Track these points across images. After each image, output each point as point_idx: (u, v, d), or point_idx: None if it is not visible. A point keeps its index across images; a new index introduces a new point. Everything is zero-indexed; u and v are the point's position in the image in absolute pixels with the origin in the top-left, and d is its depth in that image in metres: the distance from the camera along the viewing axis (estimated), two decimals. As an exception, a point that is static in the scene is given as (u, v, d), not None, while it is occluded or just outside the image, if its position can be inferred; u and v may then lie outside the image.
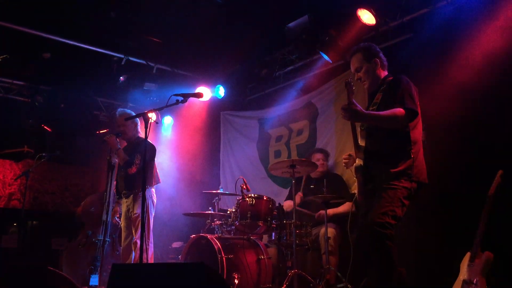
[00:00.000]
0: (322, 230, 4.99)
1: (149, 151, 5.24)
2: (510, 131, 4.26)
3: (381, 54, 3.67)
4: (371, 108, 3.44)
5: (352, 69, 3.70)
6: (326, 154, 5.77)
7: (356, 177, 3.51)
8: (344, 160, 3.69)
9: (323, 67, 6.27)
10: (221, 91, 7.11)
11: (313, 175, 5.64)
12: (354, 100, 3.25)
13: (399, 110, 3.23)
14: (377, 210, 3.17)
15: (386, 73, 3.64)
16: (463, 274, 3.69)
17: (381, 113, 3.26)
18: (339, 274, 4.82)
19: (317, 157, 5.64)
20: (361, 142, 3.50)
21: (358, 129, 3.56)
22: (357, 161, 3.49)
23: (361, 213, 3.51)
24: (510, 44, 4.32)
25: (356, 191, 3.59)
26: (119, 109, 5.53)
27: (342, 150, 5.97)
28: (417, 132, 3.40)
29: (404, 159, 3.29)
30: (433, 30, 4.86)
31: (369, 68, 3.59)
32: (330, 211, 5.07)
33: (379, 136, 3.40)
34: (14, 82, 7.18)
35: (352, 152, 3.66)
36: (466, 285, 3.67)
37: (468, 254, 3.86)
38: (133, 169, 5.05)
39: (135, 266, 3.75)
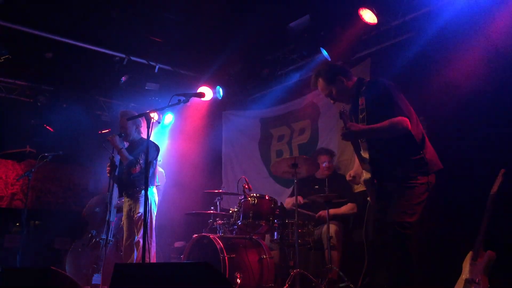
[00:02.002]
0: (324, 227, 4.99)
1: (152, 151, 5.25)
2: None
3: (339, 67, 3.71)
4: (360, 117, 3.42)
5: (324, 95, 3.71)
6: (331, 155, 5.73)
7: (368, 192, 3.51)
8: (348, 179, 3.72)
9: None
10: (220, 92, 7.11)
11: (318, 175, 5.63)
12: (349, 123, 3.29)
13: (397, 120, 3.25)
14: (396, 209, 3.18)
15: (355, 79, 3.64)
16: (466, 273, 3.69)
17: (380, 125, 3.27)
18: (341, 273, 4.82)
19: (322, 160, 5.59)
20: (364, 154, 3.49)
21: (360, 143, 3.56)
22: (364, 174, 3.48)
23: (376, 218, 3.51)
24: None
25: (361, 190, 3.59)
26: (121, 110, 5.54)
27: (344, 150, 5.97)
28: (415, 125, 3.40)
29: (414, 156, 3.30)
30: (435, 29, 4.85)
31: (338, 88, 3.58)
32: (332, 211, 5.07)
33: (382, 143, 3.40)
34: (17, 82, 7.19)
35: (352, 171, 3.69)
36: (468, 284, 3.67)
37: (470, 253, 3.86)
38: (137, 169, 5.06)
39: (137, 265, 3.76)
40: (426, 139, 3.43)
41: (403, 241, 3.12)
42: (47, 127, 7.54)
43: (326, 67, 3.70)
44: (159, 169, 6.14)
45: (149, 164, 5.22)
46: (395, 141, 3.33)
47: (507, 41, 4.33)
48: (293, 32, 5.74)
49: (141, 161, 5.05)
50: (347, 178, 3.79)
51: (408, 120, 3.26)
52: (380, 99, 3.35)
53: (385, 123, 3.25)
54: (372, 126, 3.31)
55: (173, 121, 7.75)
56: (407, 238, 3.12)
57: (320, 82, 3.64)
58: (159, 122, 7.44)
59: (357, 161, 3.70)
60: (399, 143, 3.33)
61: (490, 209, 3.87)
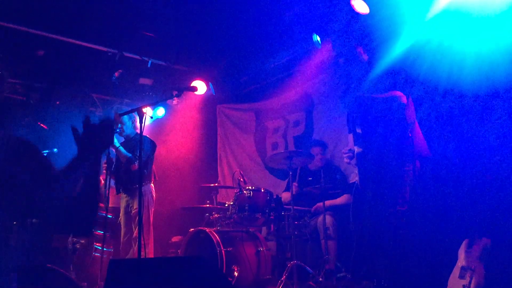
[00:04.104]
0: (320, 218, 5.01)
1: (149, 147, 5.24)
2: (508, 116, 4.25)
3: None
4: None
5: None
6: (323, 147, 5.76)
7: (356, 164, 3.51)
8: (345, 155, 3.70)
9: (318, 58, 6.24)
10: (212, 89, 7.10)
11: (311, 167, 5.65)
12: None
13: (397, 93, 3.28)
14: (388, 200, 3.20)
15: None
16: (461, 260, 3.72)
17: (385, 95, 3.30)
18: (338, 264, 4.84)
19: (315, 152, 5.63)
20: (358, 129, 3.50)
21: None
22: (356, 149, 3.48)
23: (366, 200, 3.52)
24: None
25: (355, 180, 3.59)
26: (115, 106, 5.53)
27: (339, 141, 5.97)
28: (410, 111, 3.42)
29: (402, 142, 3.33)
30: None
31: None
32: (327, 202, 5.08)
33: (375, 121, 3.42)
34: (9, 80, 7.13)
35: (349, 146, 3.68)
36: (464, 271, 3.69)
37: (466, 241, 3.87)
38: (136, 165, 5.05)
39: (132, 261, 3.76)
40: (417, 125, 3.46)
41: (396, 229, 3.13)
42: (41, 124, 7.50)
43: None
44: None
45: (148, 160, 5.21)
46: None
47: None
48: (285, 24, 5.71)
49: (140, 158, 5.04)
50: (344, 151, 3.74)
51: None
52: None
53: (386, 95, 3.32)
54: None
55: (164, 114, 7.72)
56: (400, 226, 3.14)
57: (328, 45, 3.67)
58: (152, 117, 7.42)
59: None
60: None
61: (483, 196, 3.90)
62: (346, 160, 3.72)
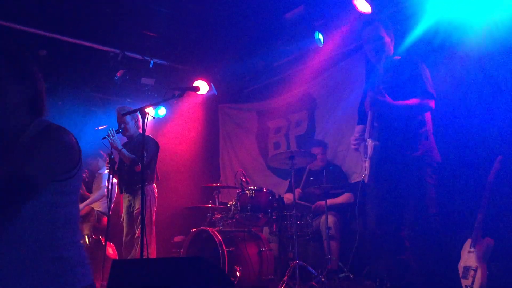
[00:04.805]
0: (322, 218, 5.00)
1: (152, 148, 5.24)
2: (509, 116, 4.24)
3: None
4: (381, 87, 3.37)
5: (368, 35, 3.60)
6: (324, 147, 5.76)
7: (369, 157, 3.41)
8: (353, 142, 3.63)
9: (320, 58, 6.24)
10: (214, 89, 7.10)
11: (312, 167, 5.64)
12: (382, 89, 3.25)
13: (425, 102, 3.28)
14: (404, 198, 3.20)
15: (392, 50, 3.62)
16: (464, 260, 3.70)
17: (407, 102, 3.27)
18: (340, 264, 4.83)
19: (315, 152, 5.62)
20: (375, 123, 3.44)
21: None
22: (370, 141, 3.40)
23: (373, 196, 3.48)
24: None
25: (359, 180, 3.53)
26: (118, 106, 5.53)
27: (341, 140, 5.97)
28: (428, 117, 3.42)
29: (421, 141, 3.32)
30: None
31: (388, 42, 3.53)
32: (329, 201, 5.07)
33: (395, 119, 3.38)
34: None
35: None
36: (466, 271, 3.68)
37: (468, 241, 3.86)
38: (140, 167, 5.05)
39: (134, 261, 3.76)
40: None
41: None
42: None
43: (385, 22, 3.64)
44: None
45: (151, 161, 5.22)
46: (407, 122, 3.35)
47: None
48: (288, 24, 5.71)
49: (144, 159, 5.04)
50: (352, 138, 3.67)
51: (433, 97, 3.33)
52: (415, 78, 3.37)
53: (413, 102, 3.29)
54: (399, 102, 3.30)
55: (165, 113, 7.73)
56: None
57: (381, 27, 3.58)
58: (154, 117, 7.42)
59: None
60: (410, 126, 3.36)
61: (487, 196, 3.88)
62: (353, 147, 3.64)
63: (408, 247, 3.32)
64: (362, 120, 3.69)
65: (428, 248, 3.25)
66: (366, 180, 3.45)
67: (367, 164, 3.43)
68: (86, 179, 6.73)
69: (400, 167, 3.32)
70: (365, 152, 3.44)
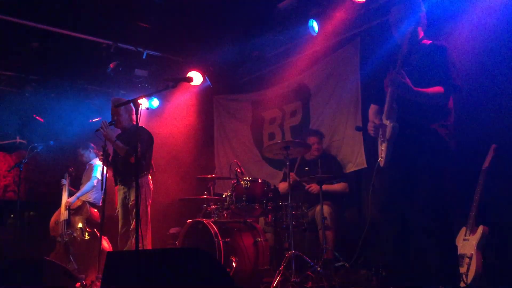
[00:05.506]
0: (318, 208, 5.01)
1: (146, 139, 5.22)
2: (503, 104, 4.25)
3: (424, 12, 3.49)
4: (405, 69, 3.23)
5: (394, 18, 3.48)
6: (320, 137, 5.76)
7: (386, 139, 3.25)
8: (371, 128, 3.49)
9: (314, 47, 6.21)
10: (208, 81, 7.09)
11: (307, 157, 5.65)
12: (402, 70, 3.15)
13: (445, 90, 3.18)
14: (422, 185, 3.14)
15: (422, 34, 3.48)
16: (459, 248, 3.72)
17: (427, 91, 3.17)
18: (336, 253, 4.85)
19: (311, 141, 5.63)
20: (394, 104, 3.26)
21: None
22: (388, 122, 3.22)
23: (384, 182, 3.40)
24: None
25: (378, 162, 3.38)
26: (112, 98, 5.50)
27: (336, 131, 5.97)
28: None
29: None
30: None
31: (414, 23, 3.37)
32: (324, 187, 5.07)
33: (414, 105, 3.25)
34: (3, 73, 7.08)
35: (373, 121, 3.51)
36: (462, 259, 3.70)
37: (463, 229, 3.89)
38: (134, 158, 5.03)
39: (129, 253, 3.75)
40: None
41: None
42: (37, 117, 7.47)
43: None
44: (98, 176, 6.34)
45: (146, 152, 5.20)
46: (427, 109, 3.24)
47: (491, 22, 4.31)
48: (282, 13, 5.67)
49: (139, 151, 5.01)
50: (370, 125, 3.49)
51: (457, 87, 3.24)
52: (440, 64, 3.25)
53: (434, 90, 3.18)
54: (420, 89, 3.18)
55: (159, 105, 7.70)
56: None
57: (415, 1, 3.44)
58: (147, 109, 7.39)
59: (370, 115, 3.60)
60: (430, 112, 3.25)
61: (482, 184, 3.90)
62: (371, 133, 3.50)
63: (413, 231, 3.24)
64: (376, 100, 3.53)
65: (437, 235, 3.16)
66: (382, 164, 3.32)
67: (383, 147, 3.28)
68: (73, 174, 6.71)
69: (416, 153, 3.20)
70: (383, 135, 3.29)
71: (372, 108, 3.61)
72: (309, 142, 5.55)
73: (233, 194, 4.95)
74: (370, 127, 3.45)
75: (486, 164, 3.95)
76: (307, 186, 5.36)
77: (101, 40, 6.42)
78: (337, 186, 5.42)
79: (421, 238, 3.17)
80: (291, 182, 4.80)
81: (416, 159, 3.20)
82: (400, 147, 3.23)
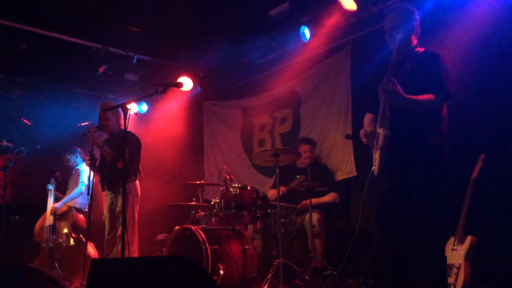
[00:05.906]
0: (307, 216, 4.98)
1: (134, 144, 5.17)
2: (492, 114, 4.26)
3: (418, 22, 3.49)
4: (397, 77, 3.22)
5: (387, 26, 3.45)
6: (313, 145, 5.72)
7: (379, 148, 3.22)
8: (362, 135, 3.48)
9: (306, 54, 6.22)
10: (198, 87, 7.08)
11: (299, 165, 5.62)
12: (394, 79, 3.13)
13: (437, 96, 3.17)
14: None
15: (416, 42, 3.47)
16: (447, 258, 3.71)
17: (419, 98, 3.15)
18: (324, 262, 4.82)
19: (304, 149, 5.58)
20: (387, 112, 3.25)
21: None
22: (381, 130, 3.20)
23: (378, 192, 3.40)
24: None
25: (372, 170, 3.35)
26: (100, 102, 5.46)
27: (326, 138, 5.96)
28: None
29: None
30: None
31: (407, 31, 3.37)
32: (314, 201, 5.05)
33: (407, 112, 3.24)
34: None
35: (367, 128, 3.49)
36: (450, 269, 3.69)
37: (452, 239, 3.88)
38: (121, 163, 4.98)
39: (115, 260, 3.70)
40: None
41: None
42: (24, 120, 7.39)
43: (411, 8, 3.48)
44: (86, 181, 6.27)
45: (133, 157, 5.15)
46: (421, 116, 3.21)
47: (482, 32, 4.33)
48: (273, 20, 5.67)
49: (126, 155, 4.96)
50: (362, 132, 3.47)
51: (450, 94, 3.23)
52: (433, 71, 3.23)
53: (425, 97, 3.15)
54: (412, 96, 3.15)
55: (147, 110, 7.66)
56: None
57: (399, 12, 3.43)
58: (136, 114, 7.34)
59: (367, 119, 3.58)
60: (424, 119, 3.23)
61: (470, 194, 3.90)
62: (363, 140, 3.48)
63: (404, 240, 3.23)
64: (371, 108, 3.51)
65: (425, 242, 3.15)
66: (376, 172, 3.29)
67: (377, 155, 3.26)
68: (59, 178, 6.64)
69: (409, 161, 3.18)
70: (376, 143, 3.28)
71: (368, 117, 3.61)
72: (301, 150, 5.51)
73: (222, 200, 4.91)
74: (362, 134, 3.45)
75: (474, 174, 3.95)
76: (298, 207, 5.29)
77: (91, 44, 6.38)
78: (327, 198, 5.36)
79: (412, 246, 3.17)
80: (280, 194, 4.75)
81: (409, 168, 3.19)
82: (392, 156, 3.22)
